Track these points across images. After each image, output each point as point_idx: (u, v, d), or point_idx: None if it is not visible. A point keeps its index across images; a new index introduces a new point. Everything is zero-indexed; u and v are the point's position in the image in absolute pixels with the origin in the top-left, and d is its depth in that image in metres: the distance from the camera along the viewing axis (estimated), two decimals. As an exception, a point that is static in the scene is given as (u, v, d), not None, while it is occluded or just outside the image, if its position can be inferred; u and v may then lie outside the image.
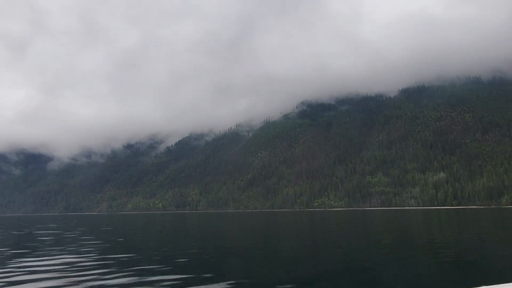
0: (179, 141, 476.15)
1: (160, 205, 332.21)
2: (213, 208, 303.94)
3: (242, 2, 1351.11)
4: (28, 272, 13.81)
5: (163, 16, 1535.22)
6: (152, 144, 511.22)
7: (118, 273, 13.32)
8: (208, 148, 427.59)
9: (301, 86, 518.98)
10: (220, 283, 11.42)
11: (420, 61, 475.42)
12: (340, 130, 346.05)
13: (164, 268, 14.46)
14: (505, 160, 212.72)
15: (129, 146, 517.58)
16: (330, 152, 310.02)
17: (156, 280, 12.10)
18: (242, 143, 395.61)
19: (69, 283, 11.79)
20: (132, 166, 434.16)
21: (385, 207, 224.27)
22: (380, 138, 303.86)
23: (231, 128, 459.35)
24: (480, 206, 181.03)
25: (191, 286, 11.13)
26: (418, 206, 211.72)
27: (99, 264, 15.59)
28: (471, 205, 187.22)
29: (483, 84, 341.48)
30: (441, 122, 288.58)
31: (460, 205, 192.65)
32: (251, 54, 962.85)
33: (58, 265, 15.45)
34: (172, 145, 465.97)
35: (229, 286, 11.12)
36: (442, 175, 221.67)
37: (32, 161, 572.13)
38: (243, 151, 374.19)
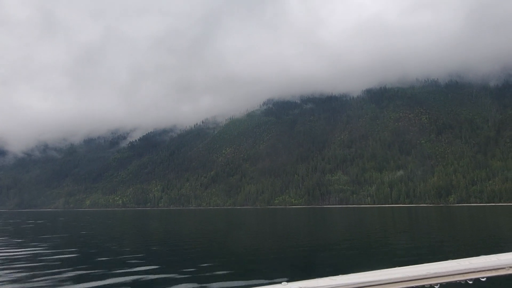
0: (143, 136, 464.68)
1: (120, 201, 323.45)
2: (175, 205, 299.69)
3: (208, 2, 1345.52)
4: None
5: (126, 11, 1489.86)
6: (114, 139, 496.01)
7: None
8: (173, 144, 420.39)
9: (266, 85, 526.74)
10: None
11: (383, 63, 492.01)
12: (304, 128, 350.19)
13: None
14: (455, 160, 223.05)
15: (89, 141, 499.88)
16: (293, 150, 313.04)
17: None
18: (207, 140, 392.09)
19: None
20: (93, 161, 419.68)
21: (343, 205, 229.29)
22: (342, 137, 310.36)
23: (196, 124, 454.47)
24: (430, 204, 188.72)
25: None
26: (373, 204, 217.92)
27: None
28: (422, 203, 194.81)
29: (440, 87, 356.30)
30: (400, 123, 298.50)
31: (412, 203, 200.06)
32: (215, 54, 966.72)
33: None
34: (135, 141, 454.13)
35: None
36: (397, 174, 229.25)
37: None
38: (208, 147, 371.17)
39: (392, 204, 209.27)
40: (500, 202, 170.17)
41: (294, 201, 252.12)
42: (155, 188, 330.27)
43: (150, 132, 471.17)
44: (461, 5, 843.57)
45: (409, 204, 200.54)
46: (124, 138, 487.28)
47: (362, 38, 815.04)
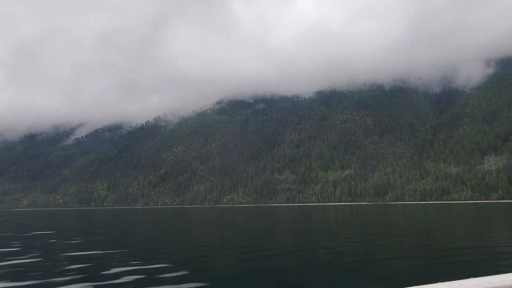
0: (90, 133, 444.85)
1: (61, 200, 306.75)
2: (120, 204, 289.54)
3: (159, 4, 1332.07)
4: None
5: (71, 6, 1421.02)
6: (58, 135, 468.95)
7: None
8: (122, 141, 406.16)
9: (219, 85, 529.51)
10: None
11: (333, 67, 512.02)
12: (256, 128, 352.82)
13: None
14: (394, 161, 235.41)
15: (30, 137, 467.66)
16: (244, 149, 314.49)
17: None
18: (158, 138, 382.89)
19: None
20: (33, 159, 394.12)
21: (290, 203, 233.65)
22: (292, 137, 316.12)
23: (148, 121, 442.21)
24: (369, 202, 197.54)
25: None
26: (318, 203, 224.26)
27: None
28: (362, 202, 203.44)
29: (385, 91, 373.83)
30: (346, 124, 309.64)
31: (353, 202, 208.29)
32: (166, 54, 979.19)
33: None
34: (82, 137, 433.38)
35: None
36: (341, 174, 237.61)
37: None
38: (158, 146, 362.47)
39: (335, 202, 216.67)
40: (431, 200, 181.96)
41: (242, 200, 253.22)
42: (101, 187, 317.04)
43: (98, 128, 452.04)
44: (404, 15, 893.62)
45: (350, 202, 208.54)
46: (69, 134, 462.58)
47: (310, 44, 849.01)
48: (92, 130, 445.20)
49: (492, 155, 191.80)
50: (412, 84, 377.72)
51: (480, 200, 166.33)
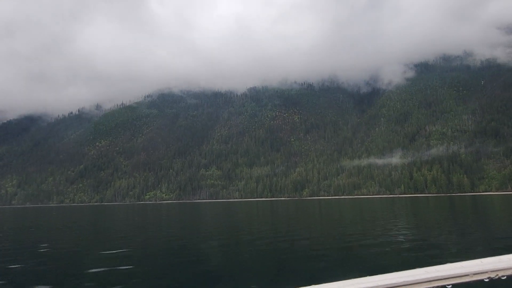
0: (3, 124, 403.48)
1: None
2: (32, 202, 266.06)
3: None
4: None
5: None
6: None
7: None
8: (40, 134, 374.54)
9: (145, 80, 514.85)
10: None
11: (266, 65, 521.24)
12: (187, 123, 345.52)
13: None
14: (315, 158, 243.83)
15: None
16: (172, 145, 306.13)
17: None
18: (81, 131, 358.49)
19: None
20: None
21: (213, 199, 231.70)
22: (222, 132, 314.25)
23: (71, 113, 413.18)
24: (287, 198, 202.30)
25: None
26: (241, 198, 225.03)
27: None
28: (281, 197, 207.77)
29: (314, 90, 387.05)
30: (275, 121, 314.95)
31: (274, 197, 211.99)
32: (80, 50, 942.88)
33: None
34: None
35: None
36: (264, 170, 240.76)
37: None
38: (80, 139, 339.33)
39: (257, 198, 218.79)
40: (343, 195, 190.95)
41: (165, 196, 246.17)
42: (10, 183, 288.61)
43: (13, 119, 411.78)
44: (325, 18, 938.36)
45: (271, 197, 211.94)
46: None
47: (236, 43, 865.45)
48: (4, 121, 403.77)
49: (399, 153, 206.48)
50: (339, 84, 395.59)
51: (385, 194, 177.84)
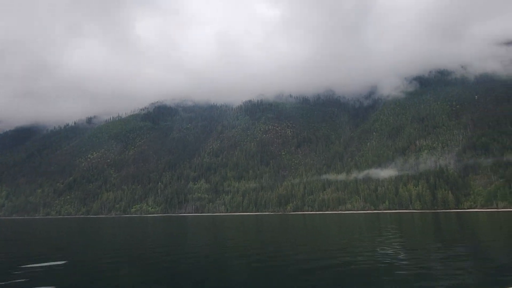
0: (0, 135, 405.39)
1: None
2: (18, 214, 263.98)
3: (61, 21, 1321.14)
4: None
5: None
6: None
7: None
8: (36, 145, 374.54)
9: (144, 93, 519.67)
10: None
11: (260, 80, 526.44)
12: (180, 135, 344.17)
13: None
14: (304, 172, 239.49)
15: None
16: (163, 157, 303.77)
17: None
18: (75, 143, 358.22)
19: None
20: None
21: (199, 213, 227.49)
22: (214, 146, 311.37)
23: (67, 125, 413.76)
24: (272, 212, 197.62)
25: None
26: (227, 212, 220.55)
27: None
28: (266, 211, 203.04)
29: (309, 104, 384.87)
30: (267, 135, 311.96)
31: (258, 211, 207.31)
32: (69, 69, 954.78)
33: None
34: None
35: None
36: (252, 183, 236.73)
37: None
38: (73, 151, 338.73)
39: (242, 212, 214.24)
40: (327, 210, 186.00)
41: (151, 209, 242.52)
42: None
43: (9, 131, 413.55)
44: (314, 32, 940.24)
45: (256, 212, 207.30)
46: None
47: (227, 60, 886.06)
48: (1, 133, 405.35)
49: (388, 168, 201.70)
50: (335, 98, 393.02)
51: (370, 210, 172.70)
